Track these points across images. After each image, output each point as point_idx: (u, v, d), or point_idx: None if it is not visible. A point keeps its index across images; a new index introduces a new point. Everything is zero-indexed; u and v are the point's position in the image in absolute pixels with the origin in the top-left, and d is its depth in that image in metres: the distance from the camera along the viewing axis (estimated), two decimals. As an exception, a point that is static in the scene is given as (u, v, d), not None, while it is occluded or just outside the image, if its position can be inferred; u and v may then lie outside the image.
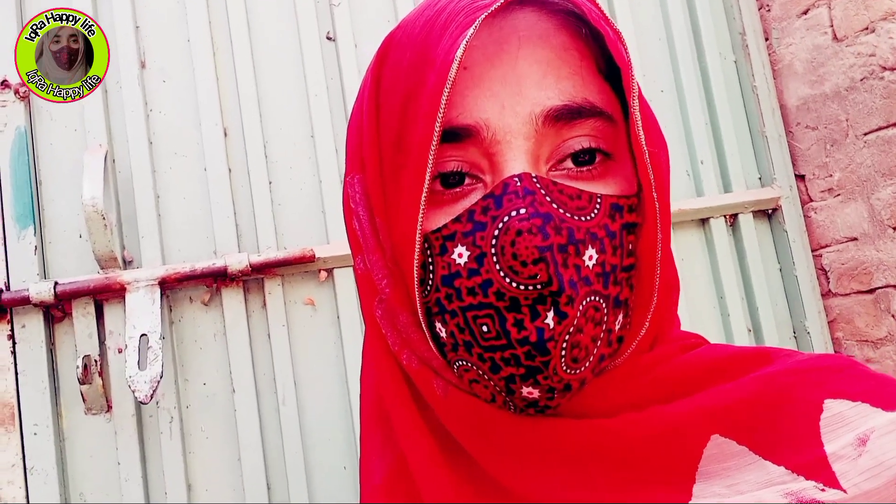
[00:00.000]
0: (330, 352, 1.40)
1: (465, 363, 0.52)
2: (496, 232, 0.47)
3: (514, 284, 0.47)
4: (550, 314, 0.47)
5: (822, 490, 0.48)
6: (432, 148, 0.48)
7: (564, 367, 0.49)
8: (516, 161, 0.50)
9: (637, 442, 0.52)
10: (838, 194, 1.58)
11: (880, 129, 1.46)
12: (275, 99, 1.46)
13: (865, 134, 1.50)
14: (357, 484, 1.32)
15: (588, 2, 0.53)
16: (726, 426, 0.52)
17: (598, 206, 0.51)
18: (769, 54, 1.70)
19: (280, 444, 1.34)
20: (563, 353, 0.48)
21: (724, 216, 1.61)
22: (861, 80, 1.49)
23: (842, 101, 1.54)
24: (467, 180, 0.52)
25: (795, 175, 1.67)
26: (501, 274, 0.47)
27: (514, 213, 0.47)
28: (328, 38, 1.49)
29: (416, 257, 0.51)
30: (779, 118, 1.68)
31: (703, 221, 1.61)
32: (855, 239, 1.55)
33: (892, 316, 1.48)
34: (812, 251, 1.65)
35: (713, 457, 0.51)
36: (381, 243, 0.56)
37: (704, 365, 0.56)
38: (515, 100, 0.50)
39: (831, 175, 1.59)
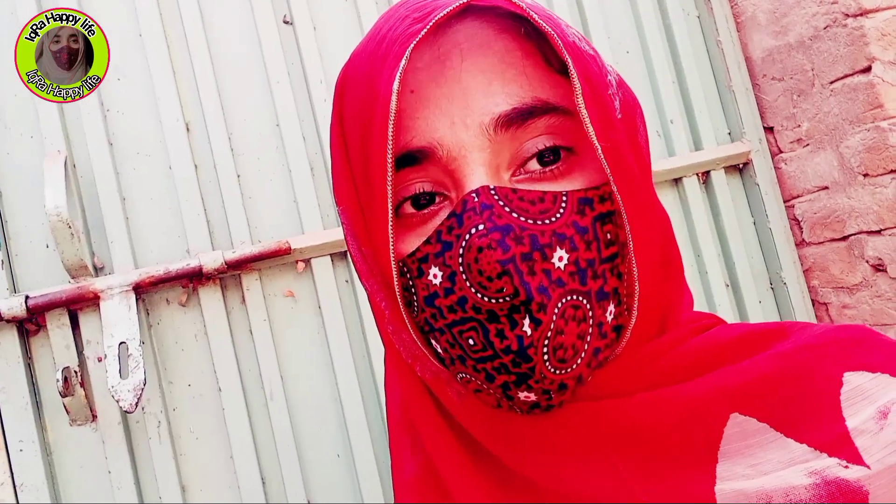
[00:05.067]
0: (314, 342, 1.39)
1: (465, 375, 0.53)
2: (461, 250, 0.48)
3: (486, 298, 0.48)
4: (527, 321, 0.47)
5: (846, 467, 0.47)
6: (388, 179, 0.49)
7: (552, 369, 0.49)
8: (474, 175, 0.50)
9: (655, 423, 0.52)
10: (807, 144, 1.59)
11: (846, 76, 1.47)
12: (235, 89, 1.42)
13: (831, 82, 1.50)
14: (352, 470, 1.33)
15: (528, 2, 0.51)
16: (745, 404, 0.52)
17: (563, 204, 0.50)
18: (732, 7, 1.69)
19: (271, 438, 1.34)
20: (546, 356, 0.48)
21: (697, 174, 1.61)
22: (825, 28, 1.48)
23: (806, 50, 1.53)
24: (437, 199, 0.53)
25: (764, 127, 1.68)
26: (473, 290, 0.48)
27: (473, 231, 0.47)
28: (285, 22, 1.45)
29: (396, 283, 0.52)
30: (745, 71, 1.67)
31: (676, 181, 1.61)
32: (826, 188, 1.57)
33: (867, 262, 1.51)
34: (784, 202, 1.67)
35: (734, 435, 0.51)
36: (372, 269, 0.57)
37: (718, 345, 0.56)
38: (464, 113, 0.50)
39: (799, 125, 1.59)
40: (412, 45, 0.48)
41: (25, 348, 1.28)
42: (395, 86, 0.48)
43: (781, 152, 1.65)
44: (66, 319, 1.27)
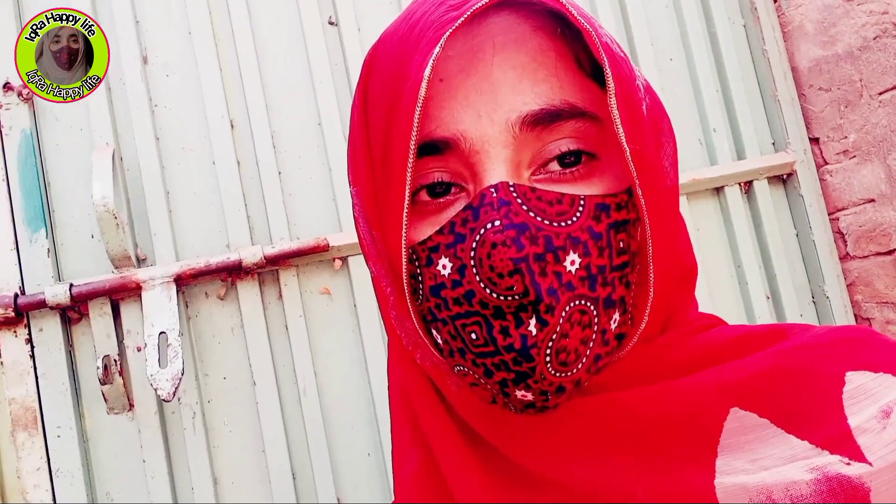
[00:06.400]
0: (348, 340, 1.39)
1: (463, 368, 0.53)
2: (474, 244, 0.48)
3: (495, 295, 0.47)
4: (533, 321, 0.47)
5: (848, 464, 0.47)
6: (409, 165, 0.49)
7: (553, 371, 0.49)
8: (494, 171, 0.49)
9: (654, 417, 0.52)
10: (854, 156, 1.56)
11: (895, 87, 1.44)
12: (280, 88, 1.44)
13: (880, 93, 1.47)
14: (382, 469, 1.33)
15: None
16: (746, 399, 0.52)
17: (581, 208, 0.50)
18: (779, 16, 1.67)
19: (303, 433, 1.34)
20: (549, 358, 0.48)
21: (739, 184, 1.59)
22: (874, 38, 1.46)
23: (855, 60, 1.51)
24: (453, 189, 0.52)
25: (810, 138, 1.65)
26: (482, 285, 0.47)
27: (489, 226, 0.47)
28: (330, 23, 1.47)
29: (404, 270, 0.52)
30: (791, 81, 1.65)
31: (718, 190, 1.59)
32: (872, 200, 1.53)
33: (914, 277, 1.47)
34: (829, 215, 1.64)
35: (734, 430, 0.51)
36: (381, 253, 0.56)
37: (719, 343, 0.56)
38: (491, 108, 0.50)
39: (846, 137, 1.56)
40: (448, 33, 0.48)
41: (67, 335, 1.30)
42: (427, 72, 0.47)
43: (827, 164, 1.62)
44: (107, 309, 1.29)
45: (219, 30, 1.43)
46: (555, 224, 0.48)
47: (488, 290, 0.47)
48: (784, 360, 0.53)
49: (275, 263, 1.34)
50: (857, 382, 0.51)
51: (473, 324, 0.49)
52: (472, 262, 0.48)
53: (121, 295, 1.29)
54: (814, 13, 1.58)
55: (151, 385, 1.19)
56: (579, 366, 0.50)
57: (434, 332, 0.54)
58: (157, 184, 1.35)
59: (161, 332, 1.23)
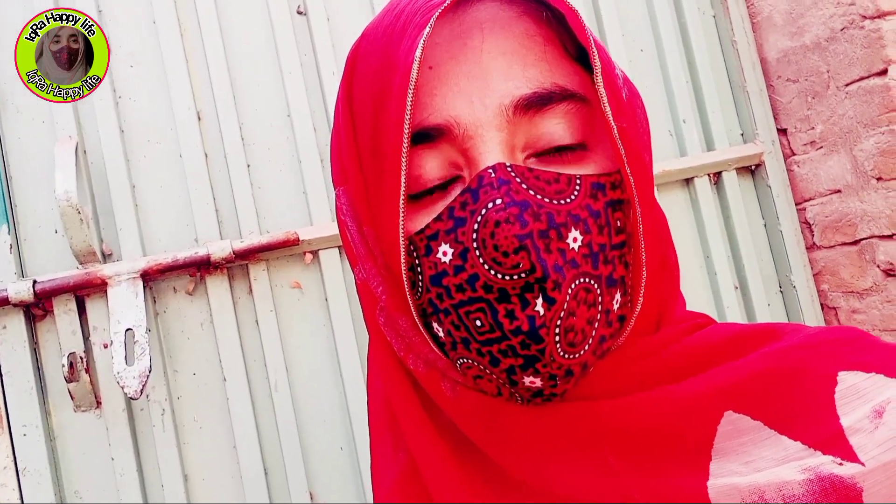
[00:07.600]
0: (320, 334, 1.38)
1: (466, 360, 0.52)
2: (476, 226, 0.47)
3: (500, 276, 0.47)
4: (539, 301, 0.47)
5: (840, 464, 0.47)
6: (404, 151, 0.49)
7: (561, 353, 0.48)
8: (490, 153, 0.50)
9: (649, 422, 0.52)
10: (821, 147, 1.57)
11: (861, 79, 1.45)
12: (248, 79, 1.41)
13: (847, 85, 1.48)
14: (355, 463, 1.32)
15: None
16: (739, 402, 0.52)
17: (577, 187, 0.50)
18: (748, 7, 1.68)
19: (275, 429, 1.33)
20: (558, 338, 0.48)
21: (708, 175, 1.60)
22: (841, 30, 1.47)
23: (822, 52, 1.52)
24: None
25: (777, 129, 1.67)
26: (486, 267, 0.47)
27: (490, 205, 0.47)
28: (299, 13, 1.45)
29: (402, 261, 0.51)
30: (759, 72, 1.66)
31: (688, 181, 1.60)
32: (838, 191, 1.55)
33: (878, 266, 1.49)
34: (796, 205, 1.66)
35: (728, 433, 0.51)
36: (372, 251, 0.56)
37: (712, 344, 0.56)
38: (483, 93, 0.50)
39: (813, 128, 1.58)
40: (436, 15, 0.48)
41: (31, 333, 1.28)
42: (418, 53, 0.47)
43: (794, 154, 1.64)
44: (72, 305, 1.27)
45: (184, 18, 1.40)
46: (554, 202, 0.49)
47: (493, 272, 0.47)
48: (777, 362, 0.53)
49: (244, 258, 1.32)
50: (850, 382, 0.51)
51: (478, 310, 0.49)
52: (474, 245, 0.47)
53: (86, 291, 1.27)
54: (782, 4, 1.59)
55: (118, 383, 1.17)
56: (586, 347, 0.50)
57: (435, 325, 0.53)
58: (122, 177, 1.32)
59: (128, 329, 1.21)
